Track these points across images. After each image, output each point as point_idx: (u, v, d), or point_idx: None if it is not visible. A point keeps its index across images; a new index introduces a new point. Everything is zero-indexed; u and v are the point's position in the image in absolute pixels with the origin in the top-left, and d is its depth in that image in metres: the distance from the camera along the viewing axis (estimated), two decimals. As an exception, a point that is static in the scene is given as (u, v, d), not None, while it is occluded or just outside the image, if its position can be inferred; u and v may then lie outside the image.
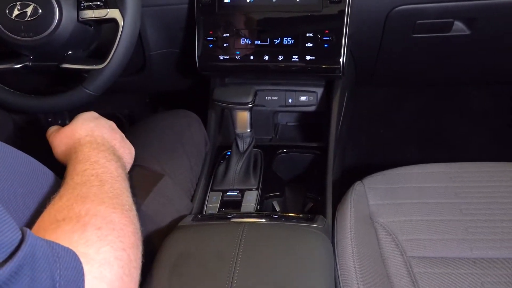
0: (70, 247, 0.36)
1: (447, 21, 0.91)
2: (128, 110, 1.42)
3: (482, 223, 0.74)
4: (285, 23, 0.86)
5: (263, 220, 0.61)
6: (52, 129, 0.68)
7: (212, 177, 0.85)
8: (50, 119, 1.25)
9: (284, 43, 0.86)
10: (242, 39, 0.88)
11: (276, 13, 0.86)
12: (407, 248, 0.71)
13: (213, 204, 0.77)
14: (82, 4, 0.77)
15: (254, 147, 0.88)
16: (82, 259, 0.36)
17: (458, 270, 0.68)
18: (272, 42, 0.87)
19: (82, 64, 0.80)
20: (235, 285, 0.48)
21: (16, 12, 0.75)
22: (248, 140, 0.84)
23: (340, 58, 0.84)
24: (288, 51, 0.86)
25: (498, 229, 0.73)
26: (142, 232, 0.51)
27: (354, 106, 1.30)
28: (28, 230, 0.33)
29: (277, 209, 0.82)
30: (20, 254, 0.30)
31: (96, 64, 0.78)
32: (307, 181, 0.90)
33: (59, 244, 0.36)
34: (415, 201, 0.79)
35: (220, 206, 0.78)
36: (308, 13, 0.85)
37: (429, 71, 1.14)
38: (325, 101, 0.99)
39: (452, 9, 0.89)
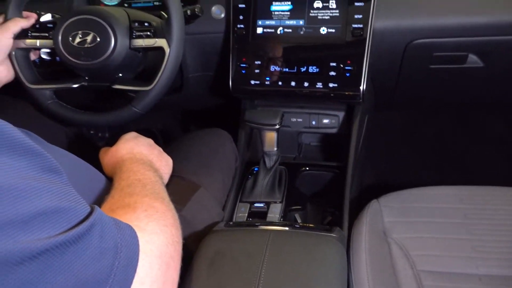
0: (123, 219, 0.45)
1: (462, 54, 0.98)
2: (162, 126, 1.52)
3: (488, 243, 0.79)
4: (311, 53, 0.95)
5: (287, 228, 0.70)
6: (103, 150, 0.77)
7: (241, 190, 0.94)
8: (92, 131, 1.36)
9: (309, 71, 0.95)
10: (272, 66, 0.97)
11: (303, 44, 0.95)
12: (417, 262, 0.77)
13: (241, 213, 0.86)
14: (134, 34, 0.88)
15: (280, 164, 0.96)
16: (135, 228, 0.45)
17: (464, 284, 0.74)
18: (298, 69, 0.95)
19: (131, 86, 0.90)
20: (262, 279, 0.57)
21: (77, 39, 0.86)
22: (274, 157, 0.92)
23: (360, 86, 0.92)
24: (313, 78, 0.95)
25: (503, 249, 0.78)
26: (181, 233, 0.60)
27: (373, 128, 1.37)
28: (95, 205, 0.42)
29: (299, 220, 0.90)
30: (93, 216, 0.39)
31: (144, 86, 0.88)
32: (327, 197, 0.97)
33: (117, 219, 0.44)
34: (426, 220, 0.85)
35: (248, 216, 0.86)
36: (332, 45, 0.93)
37: (445, 97, 1.21)
38: (346, 124, 1.06)
39: (467, 43, 0.96)
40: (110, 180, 0.66)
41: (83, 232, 0.36)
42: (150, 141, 0.78)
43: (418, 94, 1.20)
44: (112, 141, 0.77)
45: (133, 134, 0.78)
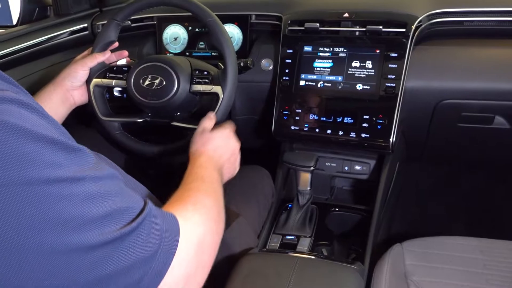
0: (173, 212, 0.55)
1: (489, 116, 1.05)
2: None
3: (504, 293, 0.84)
4: (347, 105, 1.05)
5: (313, 257, 0.79)
6: (203, 126, 0.88)
7: (276, 222, 1.04)
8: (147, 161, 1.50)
9: (344, 121, 1.04)
10: (311, 114, 1.07)
11: (340, 97, 1.05)
12: (435, 305, 0.83)
13: (274, 243, 0.95)
14: (194, 80, 1.02)
15: (312, 203, 1.05)
16: (181, 218, 0.53)
17: (478, 330, 0.79)
18: (335, 119, 1.05)
19: (187, 123, 1.04)
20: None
21: (147, 82, 1.00)
22: (307, 196, 1.02)
23: (390, 138, 1.01)
24: (347, 128, 1.04)
25: (519, 300, 0.83)
26: (220, 254, 0.70)
27: (408, 178, 1.43)
28: (147, 198, 0.52)
29: (325, 254, 0.98)
30: (145, 210, 0.48)
31: (197, 124, 1.01)
32: (353, 237, 1.05)
33: (164, 210, 0.54)
34: (447, 267, 0.90)
35: (280, 246, 0.95)
36: (366, 99, 1.03)
37: (474, 154, 1.26)
38: (377, 171, 1.14)
39: (493, 106, 1.03)
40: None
41: (138, 224, 0.46)
42: (235, 147, 0.89)
43: (448, 150, 1.26)
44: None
45: (229, 133, 0.89)
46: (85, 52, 1.09)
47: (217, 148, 0.82)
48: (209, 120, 0.91)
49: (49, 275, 0.39)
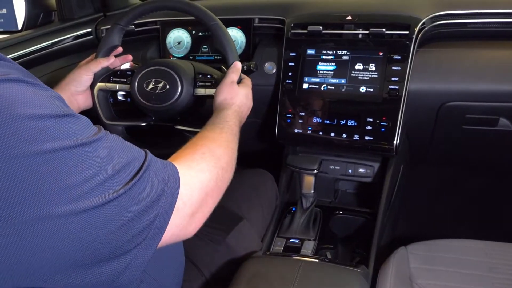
0: (180, 160, 0.61)
1: (493, 118, 1.05)
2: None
3: (511, 296, 0.83)
4: (350, 108, 1.05)
5: (317, 260, 0.78)
6: (232, 77, 0.93)
7: (279, 225, 1.04)
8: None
9: (348, 124, 1.04)
10: (314, 117, 1.08)
11: (343, 99, 1.05)
12: (440, 308, 0.82)
13: (278, 247, 0.95)
14: (197, 84, 1.02)
15: (316, 206, 1.05)
16: (185, 166, 0.59)
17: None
18: (338, 122, 1.05)
19: (190, 127, 1.04)
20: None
21: (150, 86, 1.01)
22: (311, 199, 1.02)
23: (394, 140, 1.00)
24: (351, 131, 1.04)
25: (525, 303, 0.82)
26: (224, 257, 0.70)
27: (412, 180, 1.42)
28: (146, 149, 0.56)
29: (329, 257, 0.98)
30: (147, 160, 0.52)
31: (201, 127, 1.02)
32: (357, 240, 1.04)
33: (162, 160, 0.58)
34: (451, 270, 0.89)
35: (284, 250, 0.95)
36: (369, 102, 1.03)
37: (479, 157, 1.26)
38: (380, 174, 1.14)
39: (497, 108, 1.03)
40: None
41: (144, 172, 0.50)
42: (251, 105, 0.96)
43: (452, 152, 1.26)
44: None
45: (249, 91, 0.96)
46: (90, 58, 1.09)
47: (242, 105, 0.90)
48: (237, 72, 0.96)
49: (70, 239, 0.42)
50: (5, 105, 0.39)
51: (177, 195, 0.54)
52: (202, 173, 0.61)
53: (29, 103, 0.41)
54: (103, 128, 0.50)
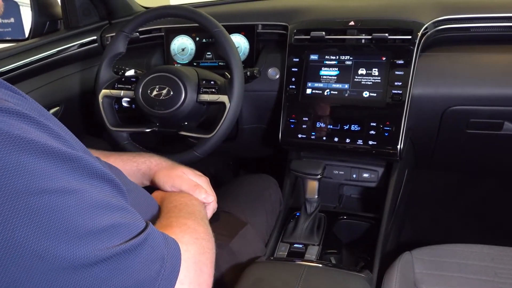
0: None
1: (498, 122, 1.04)
2: (213, 170, 1.65)
3: (517, 302, 0.83)
4: (353, 113, 1.05)
5: (320, 265, 0.78)
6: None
7: (283, 231, 1.03)
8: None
9: (351, 129, 1.05)
10: (317, 123, 1.08)
11: (347, 104, 1.05)
12: (445, 313, 0.82)
13: (282, 252, 0.95)
14: (201, 90, 1.03)
15: (320, 211, 1.05)
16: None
17: None
18: (342, 127, 1.05)
19: (194, 133, 1.05)
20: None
21: (154, 92, 1.02)
22: (315, 204, 1.02)
23: (398, 145, 1.00)
24: (354, 135, 1.04)
25: (531, 309, 0.81)
26: (227, 262, 0.70)
27: (417, 185, 1.41)
28: (149, 221, 0.51)
29: (333, 262, 0.98)
30: (147, 231, 0.48)
31: (205, 133, 1.03)
32: (362, 245, 1.04)
33: (166, 234, 0.54)
34: (457, 275, 0.89)
35: (288, 255, 0.95)
36: (373, 107, 1.03)
37: (484, 161, 1.25)
38: (385, 179, 1.14)
39: (502, 112, 1.02)
40: None
41: (139, 242, 0.46)
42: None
43: (457, 157, 1.26)
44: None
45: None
46: None
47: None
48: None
49: None
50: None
51: (176, 277, 0.50)
52: (191, 246, 0.57)
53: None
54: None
